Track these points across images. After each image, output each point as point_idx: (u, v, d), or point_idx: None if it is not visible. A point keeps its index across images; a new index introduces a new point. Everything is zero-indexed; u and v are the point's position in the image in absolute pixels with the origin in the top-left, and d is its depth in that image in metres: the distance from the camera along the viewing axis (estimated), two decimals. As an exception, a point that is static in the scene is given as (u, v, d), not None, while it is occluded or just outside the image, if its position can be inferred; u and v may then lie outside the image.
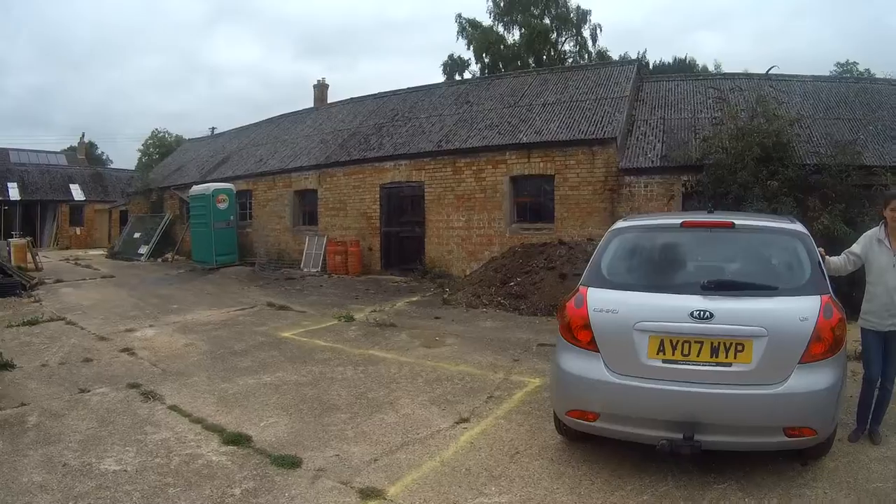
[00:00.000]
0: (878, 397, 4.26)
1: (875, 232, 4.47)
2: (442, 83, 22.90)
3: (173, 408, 5.19)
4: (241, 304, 10.90)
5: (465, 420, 4.87)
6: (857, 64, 25.48)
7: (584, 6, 31.82)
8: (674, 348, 3.58)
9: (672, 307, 3.63)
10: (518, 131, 14.36)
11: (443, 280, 13.52)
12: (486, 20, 31.43)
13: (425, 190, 15.13)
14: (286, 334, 8.18)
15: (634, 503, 3.53)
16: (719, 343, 3.52)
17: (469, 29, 31.19)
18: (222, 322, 9.07)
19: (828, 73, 16.15)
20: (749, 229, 4.19)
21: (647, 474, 3.82)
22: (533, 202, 13.94)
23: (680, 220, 4.28)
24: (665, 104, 14.47)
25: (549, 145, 13.44)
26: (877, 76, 16.51)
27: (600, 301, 3.85)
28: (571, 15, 30.61)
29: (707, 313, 3.51)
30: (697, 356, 3.54)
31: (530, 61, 29.26)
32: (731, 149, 10.28)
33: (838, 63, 26.54)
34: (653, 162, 12.30)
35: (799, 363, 3.46)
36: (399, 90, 20.19)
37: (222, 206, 17.88)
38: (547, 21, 30.60)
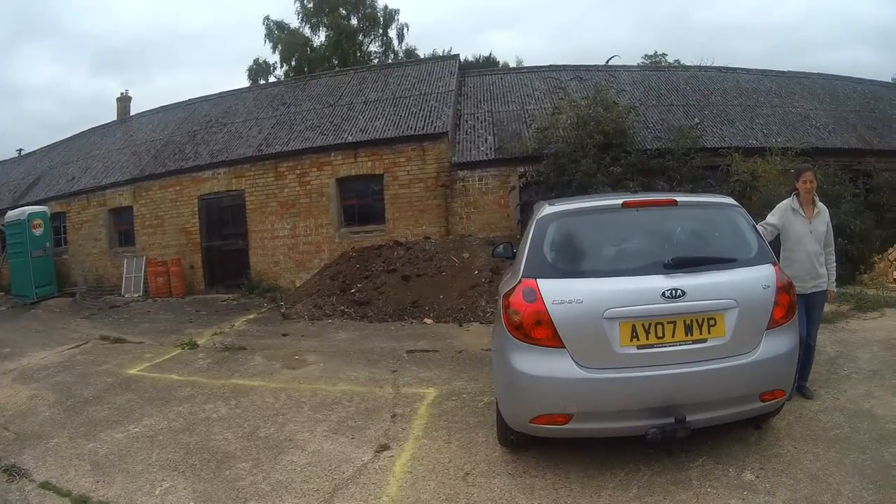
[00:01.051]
0: (804, 355, 4.48)
1: (789, 202, 4.85)
2: (255, 86, 21.47)
3: (46, 485, 4.03)
4: (73, 340, 9.34)
5: (386, 447, 4.28)
6: (666, 55, 26.90)
7: (391, 5, 31.56)
8: (647, 332, 3.47)
9: (641, 289, 3.50)
10: (342, 131, 13.80)
11: (273, 294, 12.57)
12: (295, 22, 30.00)
13: (246, 198, 13.94)
14: (133, 371, 7.01)
15: (625, 499, 3.38)
16: (692, 320, 3.48)
17: (276, 32, 29.59)
18: (61, 364, 7.66)
19: (636, 65, 16.90)
20: (691, 205, 4.21)
21: (619, 468, 3.68)
22: (362, 204, 13.44)
23: (620, 201, 4.02)
24: (491, 97, 14.82)
25: (377, 143, 13.04)
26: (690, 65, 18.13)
27: (558, 292, 3.53)
28: (379, 15, 30.19)
29: (679, 291, 3.44)
30: (672, 337, 3.48)
31: (335, 62, 28.29)
32: (570, 138, 10.56)
33: (646, 55, 27.83)
34: (487, 155, 12.42)
35: (767, 330, 3.60)
36: (210, 95, 18.70)
37: (38, 231, 15.27)
38: (354, 21, 29.87)
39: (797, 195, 4.85)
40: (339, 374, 6.28)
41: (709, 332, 3.49)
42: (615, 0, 62.84)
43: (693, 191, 9.21)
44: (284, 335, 8.60)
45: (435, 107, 13.59)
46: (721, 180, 10.33)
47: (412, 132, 12.82)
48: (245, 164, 14.00)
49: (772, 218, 4.84)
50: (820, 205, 4.91)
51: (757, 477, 3.53)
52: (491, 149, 12.42)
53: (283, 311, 10.49)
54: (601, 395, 3.46)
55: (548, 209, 4.10)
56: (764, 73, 16.12)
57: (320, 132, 13.98)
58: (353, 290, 10.42)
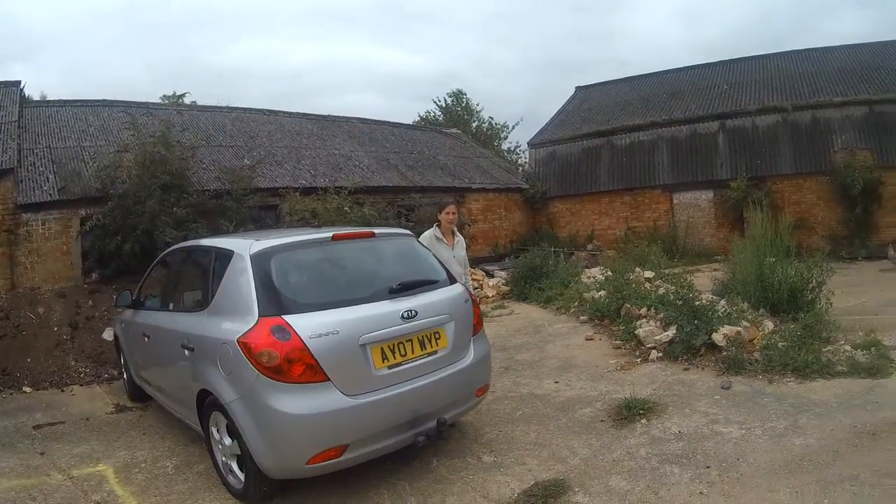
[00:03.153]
0: None
1: (433, 231, 5.97)
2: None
3: None
4: None
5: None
6: (187, 94, 25.71)
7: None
8: (393, 352, 4.00)
9: (384, 314, 4.02)
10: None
11: None
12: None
13: None
14: None
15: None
16: (423, 336, 4.19)
17: None
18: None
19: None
20: (385, 236, 4.96)
21: (380, 491, 4.14)
22: None
23: (330, 234, 4.45)
24: (48, 132, 13.65)
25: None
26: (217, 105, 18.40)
27: (314, 326, 3.72)
28: None
29: (413, 312, 4.11)
30: (413, 353, 4.10)
31: None
32: (136, 177, 10.52)
33: (164, 95, 25.71)
34: (50, 195, 11.45)
35: (472, 337, 4.61)
36: None
37: None
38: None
39: (439, 225, 6.00)
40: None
41: (437, 345, 4.25)
42: (128, 39, 65.62)
43: (255, 230, 9.93)
44: None
45: (1, 139, 12.00)
46: (279, 219, 11.66)
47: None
48: None
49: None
50: (459, 234, 6.14)
51: (496, 458, 4.55)
52: (54, 188, 11.54)
53: None
54: (369, 419, 3.78)
55: (259, 245, 4.16)
56: (305, 116, 18.15)
57: None
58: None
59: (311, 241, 4.39)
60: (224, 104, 17.59)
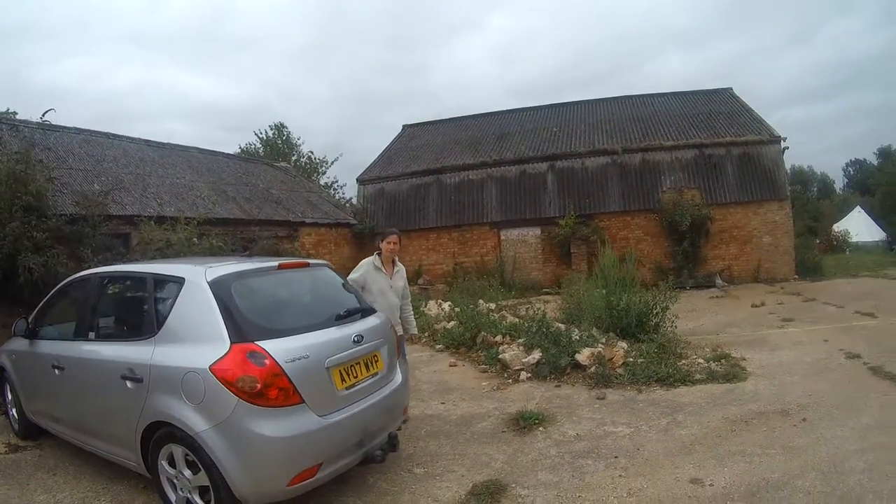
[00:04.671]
0: None
1: (372, 260, 5.99)
2: None
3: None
4: None
5: None
6: (17, 112, 24.87)
7: None
8: (348, 374, 4.33)
9: (339, 338, 4.35)
10: None
11: None
12: None
13: None
14: None
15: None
16: (367, 359, 4.57)
17: None
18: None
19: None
20: (315, 266, 5.24)
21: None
22: None
23: (276, 263, 4.74)
24: None
25: None
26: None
27: (286, 351, 3.90)
28: None
29: (361, 336, 4.49)
30: (361, 375, 4.46)
31: None
32: None
33: None
34: None
35: (398, 359, 5.13)
36: None
37: None
38: None
39: (379, 254, 6.00)
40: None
41: (377, 367, 4.65)
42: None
43: (111, 259, 9.72)
44: None
45: None
46: (129, 248, 11.30)
47: None
48: None
49: (354, 274, 5.89)
50: (399, 264, 6.19)
51: (426, 469, 4.99)
52: None
53: None
54: (337, 437, 4.07)
55: (214, 272, 4.24)
56: (148, 143, 17.63)
57: None
58: None
59: (262, 269, 4.61)
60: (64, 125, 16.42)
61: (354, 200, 26.36)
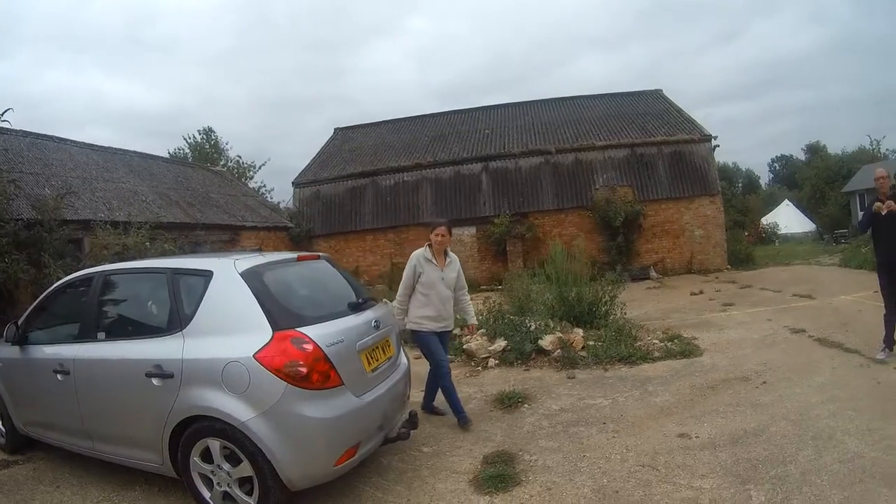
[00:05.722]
0: (435, 380, 6.22)
1: (422, 252, 6.00)
2: None
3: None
4: None
5: None
6: None
7: None
8: (372, 357, 4.61)
9: (362, 324, 4.63)
10: None
11: None
12: None
13: None
14: None
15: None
16: (382, 344, 4.85)
17: None
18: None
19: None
20: (323, 258, 5.43)
21: (357, 490, 4.57)
22: None
23: (295, 255, 5.08)
24: None
25: None
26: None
27: (325, 336, 4.11)
28: None
29: (378, 322, 4.81)
30: (381, 358, 4.75)
31: None
32: None
33: None
34: None
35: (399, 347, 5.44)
36: None
37: None
38: None
39: (430, 247, 5.98)
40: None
41: (390, 351, 4.95)
42: None
43: (70, 266, 9.53)
44: None
45: None
46: (84, 253, 11.23)
47: None
48: None
49: (407, 268, 5.99)
50: (452, 255, 6.15)
51: (434, 447, 5.32)
52: None
53: None
54: (372, 416, 4.36)
55: (246, 263, 4.36)
56: (91, 147, 17.51)
57: None
58: None
59: (285, 261, 4.86)
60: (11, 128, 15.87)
61: (284, 204, 26.67)
